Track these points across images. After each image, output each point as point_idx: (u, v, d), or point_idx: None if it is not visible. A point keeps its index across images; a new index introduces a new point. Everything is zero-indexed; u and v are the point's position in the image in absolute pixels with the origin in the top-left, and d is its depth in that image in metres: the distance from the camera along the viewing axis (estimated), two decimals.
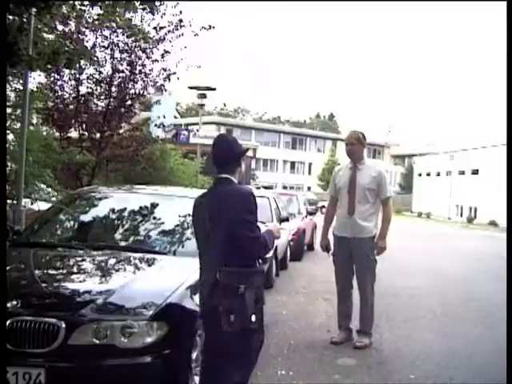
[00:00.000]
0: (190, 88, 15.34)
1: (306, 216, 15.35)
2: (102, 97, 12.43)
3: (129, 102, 12.31)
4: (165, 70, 12.71)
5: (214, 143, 4.05)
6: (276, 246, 10.14)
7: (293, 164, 73.69)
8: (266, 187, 30.52)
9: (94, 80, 12.34)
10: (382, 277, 12.03)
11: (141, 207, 5.67)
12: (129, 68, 12.38)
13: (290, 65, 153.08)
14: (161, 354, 3.73)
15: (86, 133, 12.19)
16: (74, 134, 12.66)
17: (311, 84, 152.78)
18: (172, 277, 4.40)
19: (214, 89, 15.70)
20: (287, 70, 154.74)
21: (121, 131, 12.40)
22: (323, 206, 47.29)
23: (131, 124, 12.46)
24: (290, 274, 11.70)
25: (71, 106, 12.39)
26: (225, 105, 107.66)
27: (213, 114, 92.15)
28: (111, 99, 12.25)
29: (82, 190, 7.70)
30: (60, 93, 12.26)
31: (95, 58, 11.74)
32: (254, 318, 3.60)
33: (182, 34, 12.49)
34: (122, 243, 5.03)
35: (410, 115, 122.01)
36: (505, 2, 5.62)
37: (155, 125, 14.36)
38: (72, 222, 5.66)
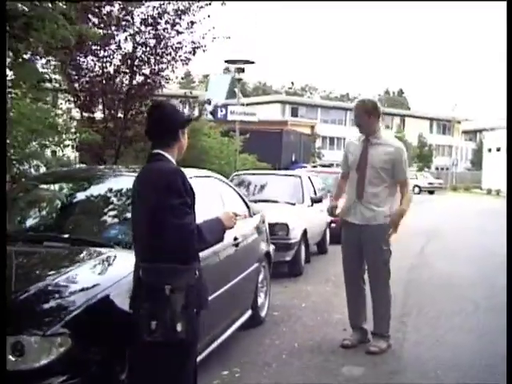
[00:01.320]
0: (226, 62, 14.53)
1: None
2: (127, 74, 11.74)
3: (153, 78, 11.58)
4: (194, 42, 12.01)
5: (147, 112, 3.27)
6: (305, 230, 9.27)
7: None
8: (324, 165, 29.31)
9: (118, 56, 11.70)
10: (425, 262, 11.41)
11: (114, 190, 4.87)
12: (153, 42, 11.69)
13: (359, 41, 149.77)
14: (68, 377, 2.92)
15: (107, 112, 11.55)
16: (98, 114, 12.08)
17: (380, 60, 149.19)
18: (105, 276, 3.58)
19: (252, 62, 14.73)
20: (356, 46, 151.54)
21: (142, 109, 11.68)
22: None
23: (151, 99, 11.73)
24: (328, 260, 10.76)
25: (97, 87, 11.75)
26: (292, 83, 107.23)
27: (281, 92, 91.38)
28: (134, 75, 11.56)
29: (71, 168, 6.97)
30: (85, 72, 11.68)
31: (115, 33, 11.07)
32: (179, 326, 2.81)
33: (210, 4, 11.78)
34: (65, 235, 4.22)
35: (483, 89, 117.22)
36: None
37: (199, 103, 13.73)
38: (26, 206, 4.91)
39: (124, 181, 4.63)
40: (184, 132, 3.25)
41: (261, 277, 6.34)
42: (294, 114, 63.24)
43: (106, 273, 3.68)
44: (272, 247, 7.07)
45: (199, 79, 77.11)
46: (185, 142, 3.28)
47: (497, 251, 12.28)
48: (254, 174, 11.13)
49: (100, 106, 11.93)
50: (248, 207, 6.40)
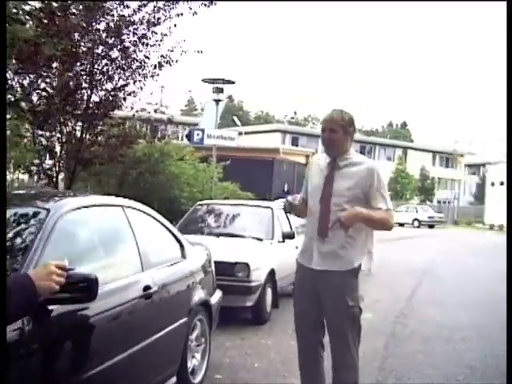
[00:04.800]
0: (204, 81, 13.35)
1: None
2: (87, 90, 10.58)
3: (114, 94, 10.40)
4: (164, 56, 10.87)
5: None
6: (272, 270, 7.99)
7: None
8: None
9: (78, 71, 10.53)
10: (415, 309, 9.75)
11: None
12: (117, 54, 10.54)
13: (364, 72, 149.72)
14: None
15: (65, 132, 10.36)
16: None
17: (384, 92, 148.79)
18: None
19: (232, 82, 13.60)
20: (360, 78, 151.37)
21: (103, 128, 10.49)
22: None
23: (111, 118, 10.54)
24: None
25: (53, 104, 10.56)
26: (295, 113, 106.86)
27: (282, 122, 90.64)
28: (95, 91, 10.39)
29: None
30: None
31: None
32: None
33: (181, 14, 10.69)
34: None
35: (487, 122, 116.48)
36: None
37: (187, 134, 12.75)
38: None
39: None
40: None
41: (195, 333, 5.05)
42: (295, 143, 62.33)
43: None
44: (218, 294, 5.79)
45: (201, 106, 76.47)
46: None
47: (496, 295, 10.96)
48: (221, 204, 9.86)
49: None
50: (181, 246, 5.13)
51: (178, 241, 5.11)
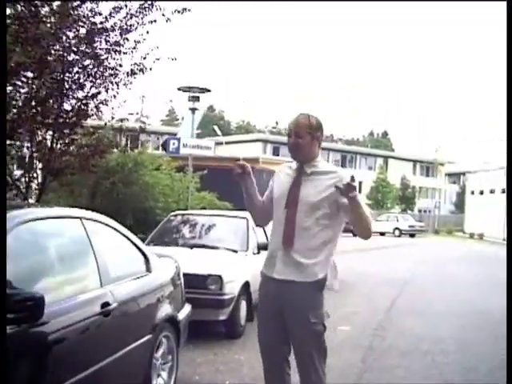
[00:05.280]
0: (179, 89, 13.12)
1: None
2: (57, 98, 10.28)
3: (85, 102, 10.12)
4: (137, 64, 10.61)
5: None
6: (246, 282, 7.76)
7: None
8: None
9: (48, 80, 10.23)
10: (393, 320, 9.43)
11: None
12: (88, 62, 10.27)
13: (345, 82, 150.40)
14: None
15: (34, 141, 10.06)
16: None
17: (365, 101, 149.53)
18: None
19: (208, 90, 13.35)
20: (341, 87, 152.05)
21: (74, 137, 10.20)
22: None
23: (82, 127, 10.26)
24: None
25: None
26: (277, 123, 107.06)
27: (264, 131, 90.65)
28: (64, 100, 10.11)
29: None
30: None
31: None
32: None
33: (155, 21, 10.46)
34: None
35: (467, 131, 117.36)
36: None
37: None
38: None
39: None
40: None
41: (161, 351, 4.79)
42: (276, 152, 62.20)
43: None
44: (187, 309, 5.55)
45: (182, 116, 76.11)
46: None
47: (476, 304, 10.84)
48: (195, 215, 9.60)
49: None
50: (146, 259, 4.89)
51: (143, 254, 4.87)
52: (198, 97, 13.23)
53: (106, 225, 4.49)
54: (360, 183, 69.25)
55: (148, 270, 4.82)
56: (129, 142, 11.08)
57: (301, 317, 3.80)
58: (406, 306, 10.85)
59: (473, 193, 58.77)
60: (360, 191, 67.74)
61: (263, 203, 4.07)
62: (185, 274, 6.97)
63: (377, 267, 17.75)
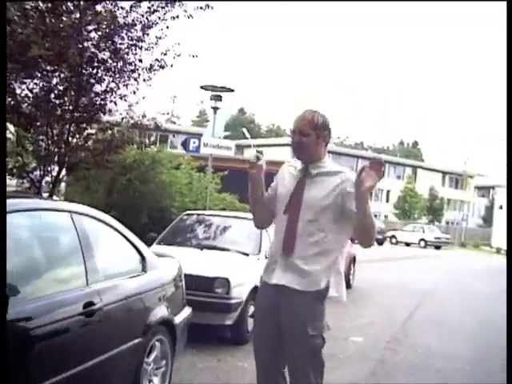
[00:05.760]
0: (202, 88, 12.93)
1: None
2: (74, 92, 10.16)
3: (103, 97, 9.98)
4: (158, 60, 10.46)
5: None
6: (256, 287, 7.46)
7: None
8: None
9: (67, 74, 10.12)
10: (408, 334, 8.87)
11: None
12: (108, 56, 10.14)
13: (377, 91, 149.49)
14: None
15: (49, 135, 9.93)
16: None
17: (397, 111, 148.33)
18: None
19: (232, 90, 13.15)
20: (373, 96, 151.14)
21: (89, 132, 10.07)
22: (393, 236, 44.29)
23: (99, 122, 10.11)
24: None
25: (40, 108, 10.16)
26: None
27: None
28: (84, 94, 9.98)
29: None
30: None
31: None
32: None
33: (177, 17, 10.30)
34: None
35: (498, 145, 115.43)
36: None
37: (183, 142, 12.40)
38: None
39: None
40: None
41: (153, 355, 4.55)
42: None
43: None
44: (186, 312, 5.31)
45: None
46: None
47: (497, 324, 10.41)
48: (208, 215, 9.36)
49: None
50: (143, 258, 4.66)
51: (140, 252, 4.63)
52: (221, 96, 13.00)
53: (100, 220, 4.27)
54: (388, 192, 68.95)
55: (144, 269, 4.59)
56: (147, 140, 10.84)
57: (298, 329, 3.53)
58: (424, 318, 10.48)
59: (501, 207, 57.64)
60: (388, 200, 67.49)
61: (268, 204, 3.80)
62: (192, 276, 6.80)
63: (399, 277, 17.37)
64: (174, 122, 64.48)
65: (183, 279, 5.41)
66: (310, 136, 3.62)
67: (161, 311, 4.63)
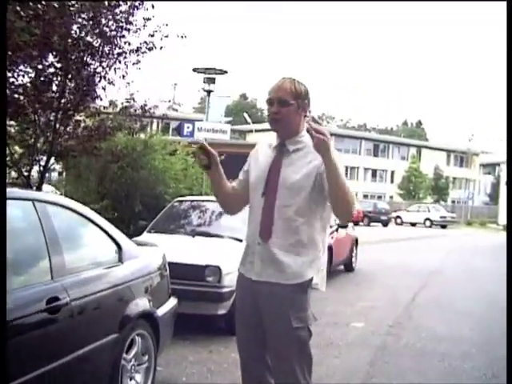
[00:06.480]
0: (194, 71, 12.57)
1: (337, 230, 12.07)
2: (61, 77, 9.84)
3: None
4: (147, 43, 10.14)
5: None
6: None
7: (374, 172, 69.46)
8: None
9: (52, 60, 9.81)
10: (412, 316, 8.56)
11: None
12: (95, 40, 9.81)
13: (379, 72, 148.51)
14: None
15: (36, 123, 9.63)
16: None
17: (399, 91, 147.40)
18: None
19: (224, 72, 12.79)
20: (375, 76, 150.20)
21: (78, 118, 9.75)
22: (398, 217, 43.95)
23: (87, 109, 9.80)
24: None
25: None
26: (309, 111, 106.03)
27: None
28: (70, 80, 9.66)
29: None
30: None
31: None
32: None
33: None
34: None
35: (502, 121, 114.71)
36: None
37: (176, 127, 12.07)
38: None
39: None
40: None
41: (134, 351, 4.25)
42: None
43: None
44: (171, 303, 5.00)
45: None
46: None
47: (504, 305, 10.10)
48: (201, 201, 9.03)
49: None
50: (119, 248, 4.34)
51: (116, 242, 4.32)
52: (214, 78, 12.66)
53: (70, 209, 3.95)
54: (392, 173, 68.45)
55: (120, 260, 4.28)
56: (137, 126, 10.50)
57: (282, 321, 3.21)
58: (429, 300, 10.18)
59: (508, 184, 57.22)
60: (392, 181, 67.05)
61: (234, 189, 3.46)
62: (182, 265, 6.55)
63: (404, 258, 17.07)
64: (176, 110, 64.11)
65: (167, 268, 5.09)
66: (291, 106, 3.26)
67: (141, 304, 4.32)
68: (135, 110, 10.14)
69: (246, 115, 57.88)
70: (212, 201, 9.19)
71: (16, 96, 9.66)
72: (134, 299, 4.25)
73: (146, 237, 7.71)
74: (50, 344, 3.30)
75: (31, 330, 3.15)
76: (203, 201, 8.95)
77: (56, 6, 9.42)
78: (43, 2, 9.26)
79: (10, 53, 9.00)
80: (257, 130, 53.14)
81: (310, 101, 3.40)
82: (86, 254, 4.03)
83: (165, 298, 4.91)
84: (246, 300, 3.36)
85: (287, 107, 3.25)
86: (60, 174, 11.82)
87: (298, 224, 3.20)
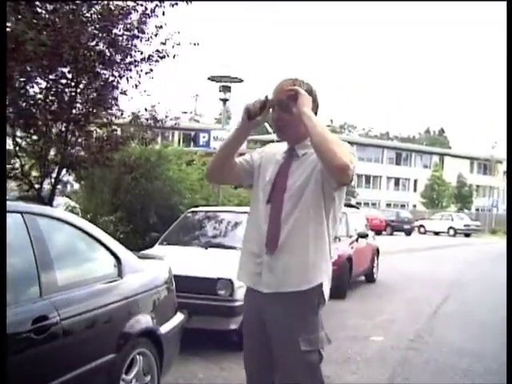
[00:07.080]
0: (209, 79, 12.38)
1: (357, 239, 11.77)
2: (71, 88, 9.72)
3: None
4: (159, 51, 9.97)
5: None
6: None
7: (397, 180, 68.98)
8: (349, 205, 24.53)
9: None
10: (434, 330, 8.26)
11: None
12: (106, 48, 9.67)
13: (401, 81, 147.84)
14: None
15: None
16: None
17: (422, 99, 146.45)
18: None
19: (241, 80, 12.58)
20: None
21: (89, 129, 9.61)
22: (421, 226, 43.34)
23: (98, 121, 9.65)
24: None
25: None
26: (331, 121, 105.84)
27: None
28: (78, 89, 9.53)
29: None
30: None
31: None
32: None
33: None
34: None
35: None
36: None
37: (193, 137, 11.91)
38: None
39: None
40: None
41: (135, 371, 4.01)
42: None
43: None
44: (177, 320, 4.77)
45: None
46: None
47: None
48: (215, 211, 8.81)
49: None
50: (119, 261, 4.12)
51: (115, 256, 4.10)
52: (229, 87, 12.45)
53: (63, 221, 3.74)
54: (415, 181, 67.75)
55: (120, 274, 4.05)
56: (148, 135, 10.33)
57: (289, 344, 2.94)
58: (451, 313, 9.83)
59: None
60: (415, 190, 66.34)
61: (235, 162, 3.15)
62: (192, 278, 6.32)
63: (426, 269, 16.65)
64: (198, 121, 64.16)
65: (173, 283, 4.86)
66: (293, 110, 2.97)
67: (142, 320, 4.09)
68: (147, 120, 9.96)
69: (266, 124, 57.69)
70: (226, 211, 8.99)
71: (27, 107, 9.57)
72: (135, 316, 4.02)
73: (157, 249, 7.51)
74: (36, 367, 3.08)
75: (14, 354, 2.92)
76: (217, 211, 8.73)
77: (69, 16, 9.32)
78: (51, 8, 9.15)
79: (21, 63, 8.92)
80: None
81: (318, 100, 3.10)
82: (82, 268, 3.81)
83: (170, 313, 4.68)
84: (254, 315, 3.11)
85: (291, 112, 2.97)
86: (72, 185, 11.67)
87: (303, 223, 2.95)
